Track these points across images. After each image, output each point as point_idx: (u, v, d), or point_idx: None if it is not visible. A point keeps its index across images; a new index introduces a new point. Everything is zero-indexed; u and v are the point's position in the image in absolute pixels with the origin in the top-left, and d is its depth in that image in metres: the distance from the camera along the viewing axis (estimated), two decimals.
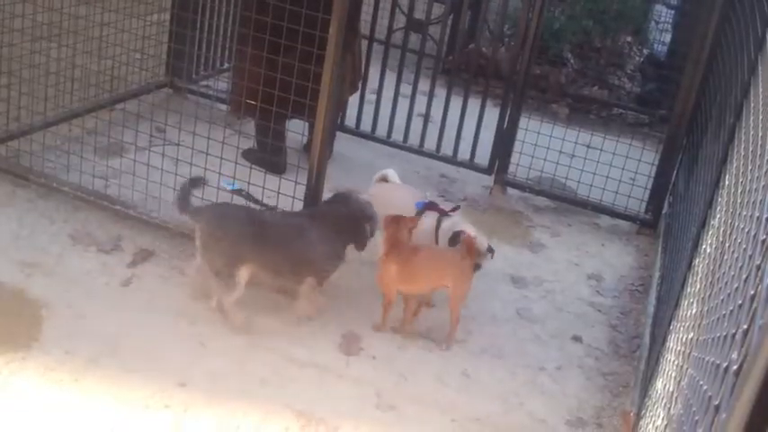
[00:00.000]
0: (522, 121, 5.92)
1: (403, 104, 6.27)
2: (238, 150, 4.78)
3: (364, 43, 6.15)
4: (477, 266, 4.27)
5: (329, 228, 4.15)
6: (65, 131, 5.21)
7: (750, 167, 2.45)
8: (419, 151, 6.31)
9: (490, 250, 4.36)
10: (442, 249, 4.34)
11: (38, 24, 4.97)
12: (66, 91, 5.17)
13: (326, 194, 4.50)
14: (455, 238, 4.28)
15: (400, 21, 6.50)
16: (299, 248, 4.10)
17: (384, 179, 4.90)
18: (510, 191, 6.10)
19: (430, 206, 4.54)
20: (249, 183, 4.51)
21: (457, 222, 4.43)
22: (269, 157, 5.17)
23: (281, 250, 4.07)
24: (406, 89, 6.30)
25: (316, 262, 4.17)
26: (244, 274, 3.97)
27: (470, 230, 4.31)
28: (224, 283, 3.97)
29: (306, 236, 4.10)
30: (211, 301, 4.08)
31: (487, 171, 6.15)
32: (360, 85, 6.15)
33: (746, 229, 1.96)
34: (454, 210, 4.56)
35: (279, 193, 4.47)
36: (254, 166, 4.83)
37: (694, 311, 2.73)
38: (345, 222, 4.20)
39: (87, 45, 5.19)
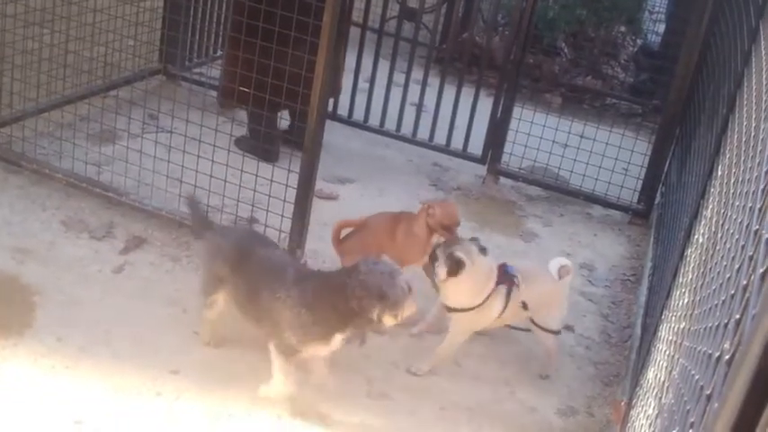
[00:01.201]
0: (516, 111, 5.93)
1: (396, 93, 6.26)
2: (231, 138, 4.77)
3: (356, 31, 6.13)
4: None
5: (313, 296, 3.37)
6: (57, 118, 5.19)
7: (743, 158, 2.45)
8: (412, 140, 6.30)
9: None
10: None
11: (31, 10, 4.94)
12: (58, 77, 5.15)
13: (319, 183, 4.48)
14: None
15: (394, 9, 6.49)
16: (266, 299, 3.47)
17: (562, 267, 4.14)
18: (503, 180, 6.11)
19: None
20: (242, 170, 4.49)
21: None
22: (261, 144, 5.16)
23: (251, 292, 3.54)
24: (399, 78, 6.29)
25: (279, 323, 3.42)
26: (219, 298, 3.72)
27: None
28: (205, 299, 3.76)
29: (279, 290, 3.42)
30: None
31: (480, 160, 6.15)
32: (341, 88, 6.13)
33: (739, 220, 1.96)
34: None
35: (272, 181, 4.46)
36: (246, 153, 4.83)
37: (686, 301, 2.74)
38: (338, 297, 3.31)
39: (80, 31, 5.17)
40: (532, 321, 4.02)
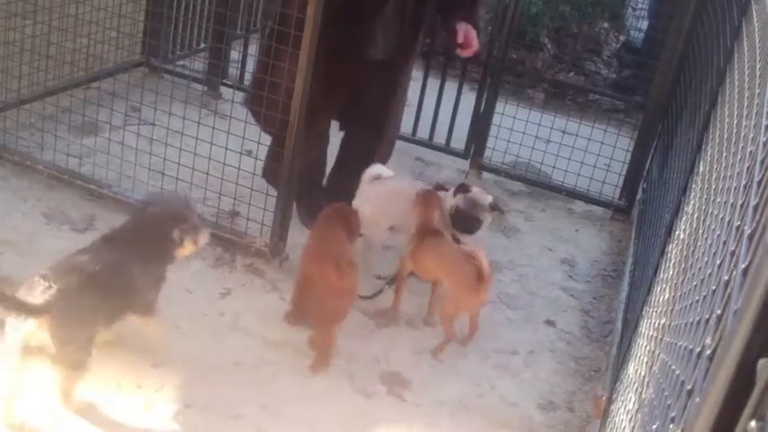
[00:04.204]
0: (499, 106, 5.93)
1: None
2: (214, 131, 4.75)
3: None
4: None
5: (133, 251, 3.40)
6: (39, 109, 5.16)
7: (725, 155, 2.47)
8: None
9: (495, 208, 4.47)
10: (450, 243, 4.31)
11: (13, 1, 4.90)
12: (40, 69, 5.11)
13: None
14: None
15: None
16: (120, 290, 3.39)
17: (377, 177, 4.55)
18: (485, 175, 6.11)
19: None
20: (224, 163, 4.48)
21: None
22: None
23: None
24: None
25: (134, 300, 3.47)
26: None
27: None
28: None
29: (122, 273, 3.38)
30: None
31: (463, 155, 6.16)
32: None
33: (721, 216, 1.97)
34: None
35: (254, 174, 4.45)
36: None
37: (667, 297, 2.76)
38: (150, 235, 3.46)
39: (63, 22, 5.13)
40: None
